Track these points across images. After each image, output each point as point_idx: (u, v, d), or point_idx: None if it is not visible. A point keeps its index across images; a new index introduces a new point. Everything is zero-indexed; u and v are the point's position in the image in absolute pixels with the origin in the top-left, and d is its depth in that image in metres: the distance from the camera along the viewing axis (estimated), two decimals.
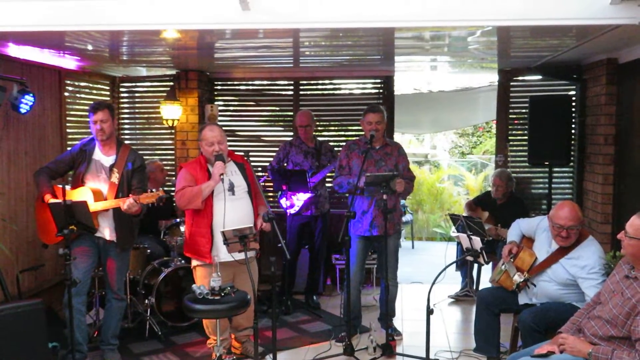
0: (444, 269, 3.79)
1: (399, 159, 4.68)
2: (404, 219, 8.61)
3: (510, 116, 6.28)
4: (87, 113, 4.12)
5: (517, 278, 3.73)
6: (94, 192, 4.02)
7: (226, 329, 4.25)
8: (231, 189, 4.06)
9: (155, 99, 6.52)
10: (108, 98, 6.42)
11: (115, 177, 4.06)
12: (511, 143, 6.25)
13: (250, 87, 6.85)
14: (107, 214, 4.08)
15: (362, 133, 4.84)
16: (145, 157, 4.53)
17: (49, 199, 3.97)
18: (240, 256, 3.67)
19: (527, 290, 3.85)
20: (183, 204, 3.99)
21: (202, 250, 4.00)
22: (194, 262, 4.16)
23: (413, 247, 9.20)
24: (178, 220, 5.24)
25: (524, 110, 6.10)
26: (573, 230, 3.64)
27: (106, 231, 4.09)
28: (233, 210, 4.00)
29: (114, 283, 4.21)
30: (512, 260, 3.86)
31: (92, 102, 4.61)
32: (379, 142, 4.66)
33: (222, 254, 3.87)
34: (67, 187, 4.10)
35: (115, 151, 4.16)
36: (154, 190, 3.94)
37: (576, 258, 3.65)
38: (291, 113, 6.60)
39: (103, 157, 4.15)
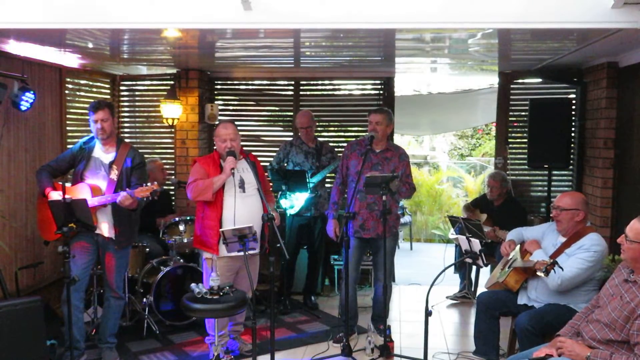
0: (443, 270, 3.77)
1: (398, 165, 4.63)
2: (402, 220, 8.61)
3: (510, 119, 6.30)
4: (87, 111, 4.12)
5: (545, 260, 3.59)
6: (93, 189, 4.04)
7: (225, 325, 4.31)
8: (242, 185, 4.17)
9: (156, 98, 6.51)
10: (108, 96, 6.41)
11: (114, 174, 4.08)
12: (511, 146, 6.26)
13: (251, 87, 6.85)
14: (106, 210, 4.08)
15: (362, 133, 4.83)
16: (145, 156, 4.53)
17: (51, 193, 3.98)
18: (251, 251, 3.86)
19: (545, 278, 3.74)
20: (194, 195, 4.13)
21: (210, 242, 4.12)
22: (206, 255, 4.24)
23: (411, 248, 9.20)
24: (177, 219, 5.24)
25: (523, 113, 6.11)
26: (562, 213, 3.73)
27: (104, 227, 4.09)
28: (243, 206, 4.13)
29: (113, 281, 4.21)
30: (517, 258, 3.85)
31: (92, 101, 4.62)
32: (380, 146, 4.65)
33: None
34: (68, 184, 4.11)
35: (115, 149, 4.17)
36: (149, 184, 3.95)
37: (577, 245, 3.69)
38: (291, 113, 6.60)
39: (103, 154, 4.16)
